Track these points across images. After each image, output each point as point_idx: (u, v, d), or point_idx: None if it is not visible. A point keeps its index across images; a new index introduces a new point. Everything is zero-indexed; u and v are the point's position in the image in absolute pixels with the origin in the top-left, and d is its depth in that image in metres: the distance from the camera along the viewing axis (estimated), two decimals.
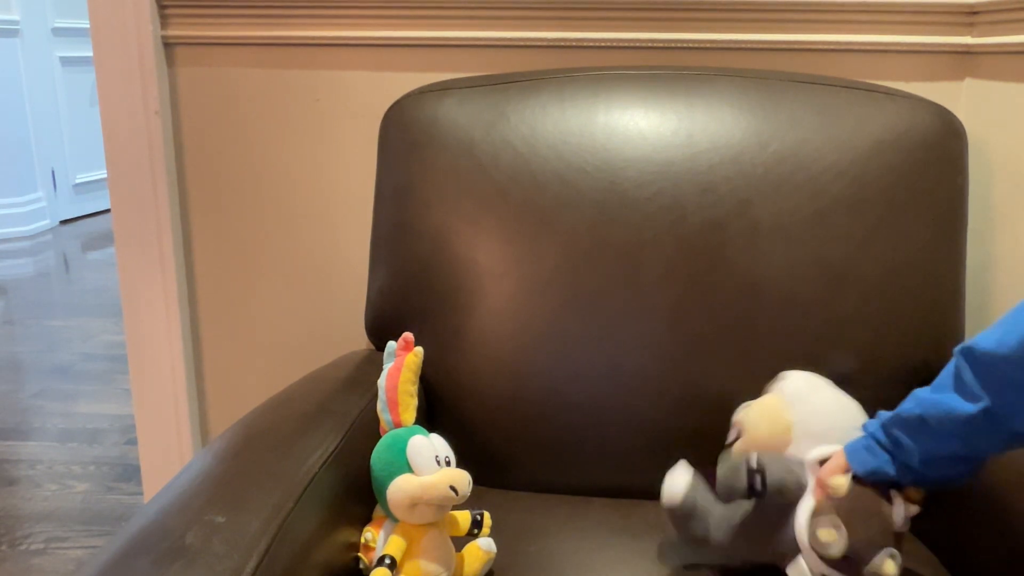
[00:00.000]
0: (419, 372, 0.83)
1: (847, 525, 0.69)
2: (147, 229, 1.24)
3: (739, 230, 0.93)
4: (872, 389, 0.82)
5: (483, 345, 0.96)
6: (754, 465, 0.72)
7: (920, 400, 0.68)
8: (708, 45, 1.13)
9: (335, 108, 1.20)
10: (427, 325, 0.98)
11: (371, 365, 0.95)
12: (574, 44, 1.15)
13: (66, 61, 4.08)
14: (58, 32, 4.03)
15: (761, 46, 1.13)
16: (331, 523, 0.72)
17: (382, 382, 0.82)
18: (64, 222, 4.19)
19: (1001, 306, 1.04)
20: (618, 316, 0.94)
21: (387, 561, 0.71)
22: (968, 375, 0.64)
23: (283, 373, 1.29)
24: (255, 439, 0.76)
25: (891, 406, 0.72)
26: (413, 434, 0.77)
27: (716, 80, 1.01)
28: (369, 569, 0.73)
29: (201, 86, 1.21)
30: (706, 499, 0.77)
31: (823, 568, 0.70)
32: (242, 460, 0.72)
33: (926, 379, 0.96)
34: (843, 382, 0.81)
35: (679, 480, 0.77)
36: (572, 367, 0.94)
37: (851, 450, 0.72)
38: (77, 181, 4.23)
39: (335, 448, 0.77)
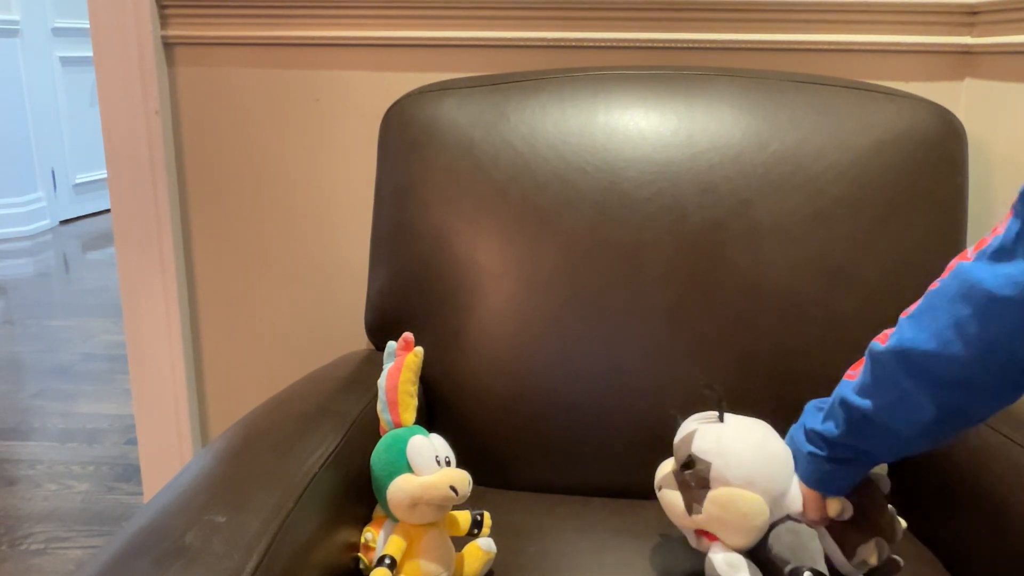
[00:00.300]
0: (419, 372, 0.83)
1: (870, 532, 0.71)
2: (147, 229, 1.24)
3: (739, 230, 0.93)
4: None
5: (483, 345, 0.96)
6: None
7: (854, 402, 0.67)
8: (708, 45, 1.13)
9: (335, 108, 1.20)
10: (427, 325, 0.98)
11: (371, 365, 0.95)
12: (574, 44, 1.15)
13: (66, 61, 4.08)
14: (58, 32, 4.03)
15: (761, 46, 1.13)
16: (331, 523, 0.72)
17: (382, 382, 0.82)
18: (64, 222, 4.19)
19: None
20: (618, 316, 0.94)
21: (387, 561, 0.71)
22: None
23: (283, 373, 1.29)
24: (255, 439, 0.76)
25: None
26: (413, 434, 0.77)
27: (716, 80, 1.01)
28: (369, 569, 0.72)
29: (201, 86, 1.21)
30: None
31: None
32: (242, 460, 0.72)
33: None
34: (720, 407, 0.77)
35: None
36: (572, 367, 0.94)
37: (817, 480, 0.71)
38: (77, 181, 4.23)
39: (335, 448, 0.77)
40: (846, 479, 0.71)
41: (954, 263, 0.61)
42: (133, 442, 1.95)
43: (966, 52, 1.11)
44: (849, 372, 0.70)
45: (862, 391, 0.66)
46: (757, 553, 0.72)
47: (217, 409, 1.33)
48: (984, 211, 1.07)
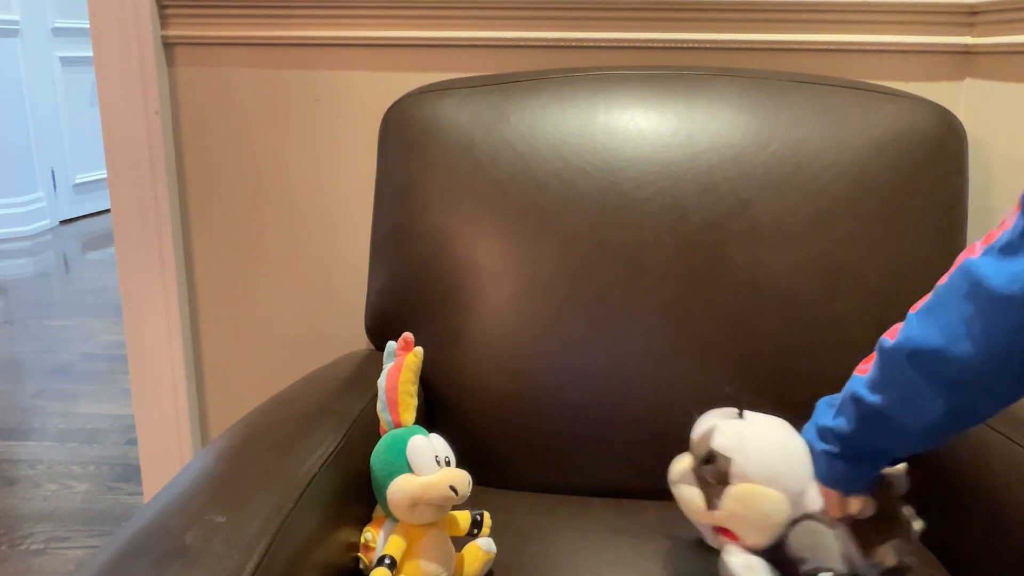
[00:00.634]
0: (419, 372, 0.83)
1: (888, 531, 0.71)
2: (147, 229, 1.24)
3: (739, 230, 0.93)
4: None
5: (483, 345, 0.96)
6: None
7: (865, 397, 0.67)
8: (708, 45, 1.13)
9: (335, 108, 1.20)
10: (427, 325, 0.98)
11: (371, 365, 0.95)
12: (574, 44, 1.15)
13: (66, 61, 4.08)
14: (58, 32, 4.03)
15: (761, 46, 1.13)
16: (331, 523, 0.72)
17: (382, 382, 0.82)
18: (64, 222, 4.19)
19: None
20: (618, 316, 0.94)
21: (387, 561, 0.71)
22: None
23: (283, 373, 1.29)
24: (255, 439, 0.76)
25: None
26: (413, 434, 0.77)
27: (716, 80, 1.01)
28: (369, 569, 0.72)
29: (201, 86, 1.21)
30: None
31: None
32: (242, 460, 0.72)
33: None
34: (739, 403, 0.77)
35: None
36: (572, 367, 0.94)
37: (833, 479, 0.70)
38: (77, 181, 4.23)
39: (335, 448, 0.77)
40: (861, 477, 0.70)
41: (962, 258, 0.61)
42: (133, 442, 1.95)
43: (966, 52, 1.11)
44: (860, 367, 0.69)
45: (872, 386, 0.66)
46: (773, 552, 0.72)
47: (217, 409, 1.33)
48: (984, 211, 1.07)
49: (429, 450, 0.75)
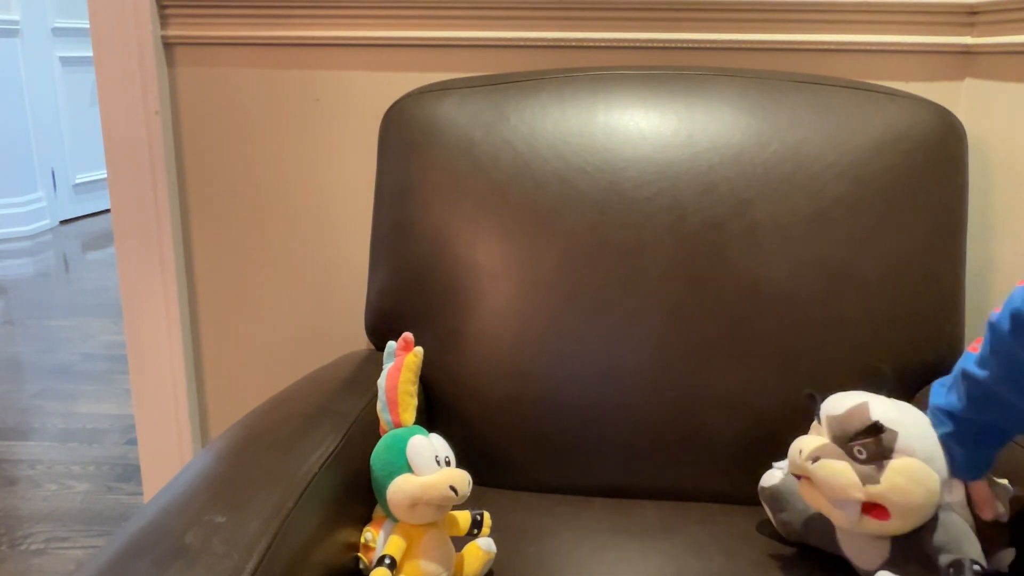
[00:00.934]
0: (419, 372, 0.83)
1: (1005, 537, 0.72)
2: (147, 229, 1.24)
3: (739, 230, 0.93)
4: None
5: (483, 345, 0.96)
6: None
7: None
8: (708, 45, 1.13)
9: (335, 108, 1.20)
10: (427, 325, 0.98)
11: (371, 365, 0.95)
12: (574, 44, 1.15)
13: (66, 61, 4.08)
14: (58, 32, 4.03)
15: (761, 46, 1.13)
16: (331, 523, 0.72)
17: (382, 382, 0.82)
18: (64, 222, 4.19)
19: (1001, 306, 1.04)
20: (618, 316, 0.94)
21: (387, 561, 0.71)
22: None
23: (283, 373, 1.29)
24: (255, 439, 0.76)
25: None
26: (413, 434, 0.77)
27: (716, 80, 1.01)
28: (369, 569, 0.73)
29: (201, 86, 1.21)
30: (792, 493, 0.81)
31: None
32: (242, 460, 0.72)
33: (926, 379, 0.96)
34: (881, 388, 0.76)
35: (777, 473, 0.84)
36: (572, 367, 0.94)
37: (952, 463, 0.70)
38: (77, 181, 4.23)
39: (335, 448, 0.77)
40: (974, 461, 0.70)
41: None
42: (133, 442, 1.95)
43: (966, 52, 1.11)
44: (972, 345, 0.69)
45: (981, 362, 0.65)
46: (907, 540, 0.71)
47: (217, 409, 1.33)
48: (984, 211, 1.07)
49: (429, 450, 0.75)
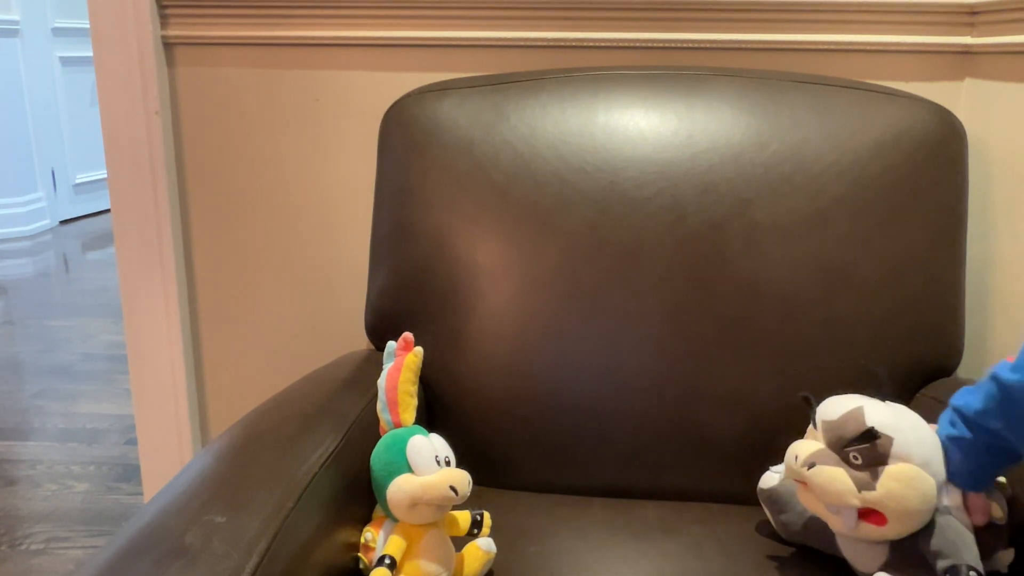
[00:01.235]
0: (419, 372, 0.83)
1: (1003, 539, 0.72)
2: (147, 229, 1.24)
3: (739, 230, 0.93)
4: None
5: (483, 345, 0.96)
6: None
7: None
8: (708, 45, 1.13)
9: (335, 108, 1.20)
10: (427, 325, 0.98)
11: (371, 365, 0.95)
12: (574, 44, 1.15)
13: (66, 61, 4.08)
14: (58, 32, 4.03)
15: (761, 46, 1.13)
16: (331, 523, 0.72)
17: (382, 382, 0.82)
18: (64, 222, 4.19)
19: (1001, 306, 1.04)
20: (618, 316, 0.94)
21: (387, 561, 0.71)
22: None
23: (283, 373, 1.29)
24: (255, 439, 0.76)
25: None
26: (413, 434, 0.77)
27: (716, 80, 1.01)
28: (369, 569, 0.73)
29: (201, 86, 1.21)
30: (791, 494, 0.82)
31: None
32: (242, 460, 0.72)
33: (926, 379, 0.96)
34: (879, 391, 0.76)
35: (775, 475, 0.84)
36: (572, 367, 0.94)
37: (960, 472, 0.70)
38: (77, 181, 4.23)
39: (335, 448, 0.77)
40: (980, 474, 0.69)
41: None
42: (133, 442, 1.95)
43: (966, 52, 1.11)
44: (1010, 356, 0.68)
45: (1015, 368, 0.64)
46: (903, 544, 0.71)
47: (217, 409, 1.33)
48: (984, 211, 1.07)
49: (429, 450, 0.75)
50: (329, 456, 0.75)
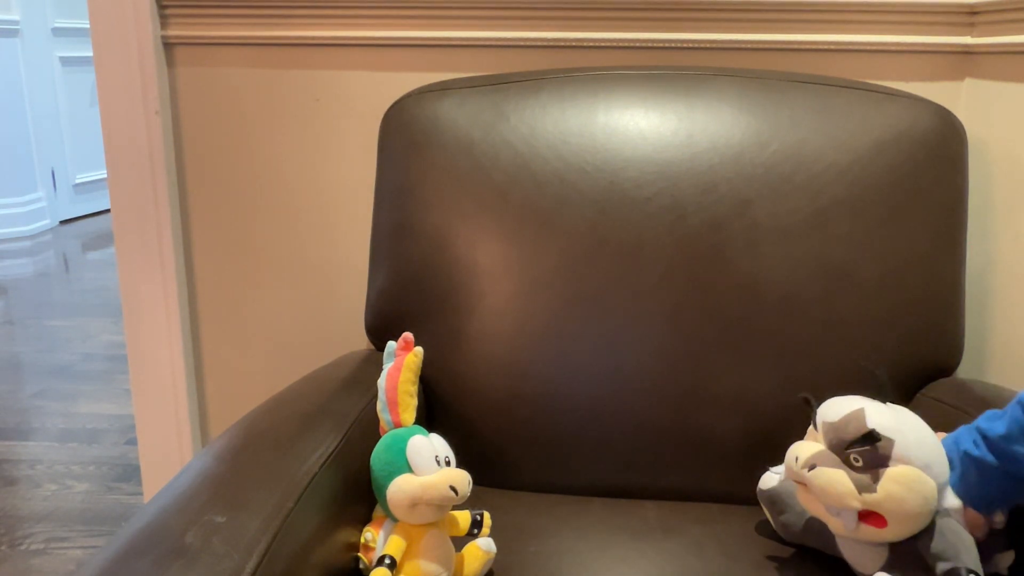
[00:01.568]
0: (419, 372, 0.83)
1: (1002, 542, 0.72)
2: (147, 229, 1.24)
3: (739, 230, 0.93)
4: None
5: (483, 345, 0.96)
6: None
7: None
8: (708, 45, 1.13)
9: (335, 108, 1.20)
10: (427, 325, 0.98)
11: (371, 365, 0.95)
12: (574, 44, 1.15)
13: (66, 61, 4.08)
14: (58, 32, 4.03)
15: (761, 46, 1.13)
16: (331, 523, 0.72)
17: (382, 382, 0.82)
18: (64, 222, 4.19)
19: (1001, 306, 1.04)
20: (618, 316, 0.94)
21: (387, 561, 0.71)
22: None
23: (283, 373, 1.29)
24: (255, 439, 0.76)
25: None
26: (413, 434, 0.77)
27: (716, 80, 1.01)
28: (369, 569, 0.73)
29: (201, 86, 1.21)
30: (791, 495, 0.82)
31: None
32: (242, 460, 0.72)
33: (926, 379, 0.96)
34: (880, 392, 0.75)
35: (774, 476, 0.84)
36: (572, 367, 0.94)
37: (971, 493, 0.70)
38: (77, 181, 4.23)
39: (335, 448, 0.77)
40: (998, 498, 0.69)
41: None
42: (133, 442, 1.95)
43: (966, 52, 1.11)
44: None
45: None
46: (903, 547, 0.70)
47: (217, 409, 1.33)
48: (984, 211, 1.07)
49: (429, 450, 0.75)
50: (329, 456, 0.75)
